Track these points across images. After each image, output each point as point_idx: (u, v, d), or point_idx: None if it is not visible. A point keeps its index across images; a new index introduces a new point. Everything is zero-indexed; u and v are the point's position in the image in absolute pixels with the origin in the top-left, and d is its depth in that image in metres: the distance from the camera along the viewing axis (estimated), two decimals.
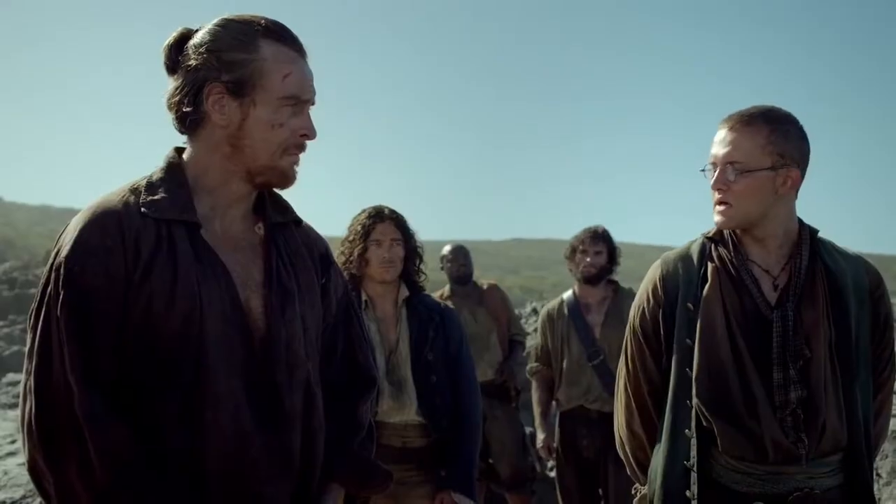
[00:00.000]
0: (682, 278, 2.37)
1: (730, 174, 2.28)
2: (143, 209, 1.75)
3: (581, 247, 4.89)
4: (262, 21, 1.80)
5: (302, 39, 1.83)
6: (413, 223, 3.51)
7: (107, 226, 1.71)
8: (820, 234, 2.39)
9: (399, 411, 3.32)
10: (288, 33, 1.82)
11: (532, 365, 5.17)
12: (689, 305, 2.32)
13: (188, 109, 1.78)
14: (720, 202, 2.31)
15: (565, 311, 4.93)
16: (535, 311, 15.29)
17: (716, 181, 2.30)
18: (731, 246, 2.36)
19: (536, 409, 5.16)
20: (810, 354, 2.24)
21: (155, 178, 1.82)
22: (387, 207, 3.48)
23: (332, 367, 2.00)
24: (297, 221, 1.97)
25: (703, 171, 2.35)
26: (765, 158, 2.26)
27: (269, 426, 1.78)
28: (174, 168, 1.83)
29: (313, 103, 1.84)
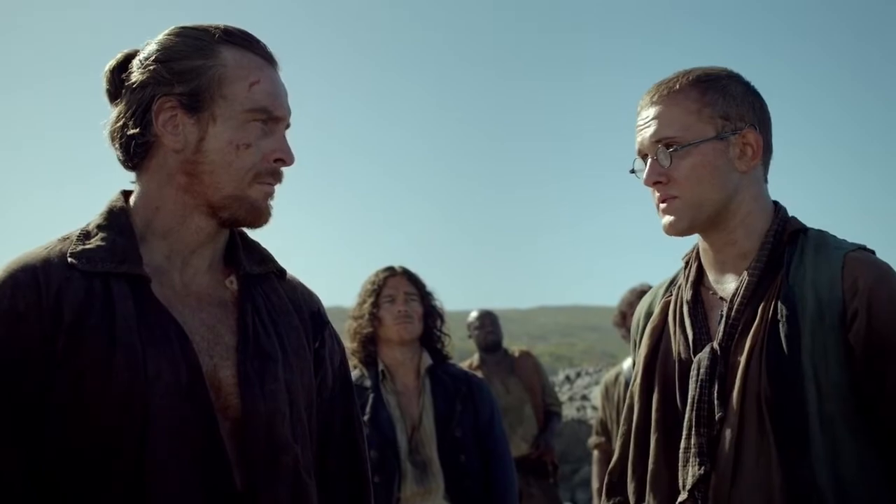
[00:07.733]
0: (640, 322, 1.90)
1: (663, 158, 1.70)
2: (70, 260, 1.42)
3: (630, 310, 4.76)
4: (222, 26, 1.51)
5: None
6: (435, 290, 3.29)
7: (20, 285, 1.39)
8: (819, 229, 1.74)
9: (424, 496, 3.02)
10: (254, 39, 1.53)
11: (592, 438, 4.98)
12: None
13: (134, 131, 1.46)
14: (662, 199, 1.73)
15: (622, 379, 4.78)
16: (568, 379, 14.92)
17: (648, 174, 1.72)
18: (692, 268, 1.82)
19: (594, 485, 4.94)
20: (723, 414, 1.65)
21: (92, 225, 1.49)
22: (399, 265, 3.26)
23: (328, 453, 1.63)
24: (280, 273, 1.63)
25: (632, 171, 1.79)
26: (705, 126, 1.70)
27: None
28: (116, 213, 1.50)
29: (288, 124, 1.53)
